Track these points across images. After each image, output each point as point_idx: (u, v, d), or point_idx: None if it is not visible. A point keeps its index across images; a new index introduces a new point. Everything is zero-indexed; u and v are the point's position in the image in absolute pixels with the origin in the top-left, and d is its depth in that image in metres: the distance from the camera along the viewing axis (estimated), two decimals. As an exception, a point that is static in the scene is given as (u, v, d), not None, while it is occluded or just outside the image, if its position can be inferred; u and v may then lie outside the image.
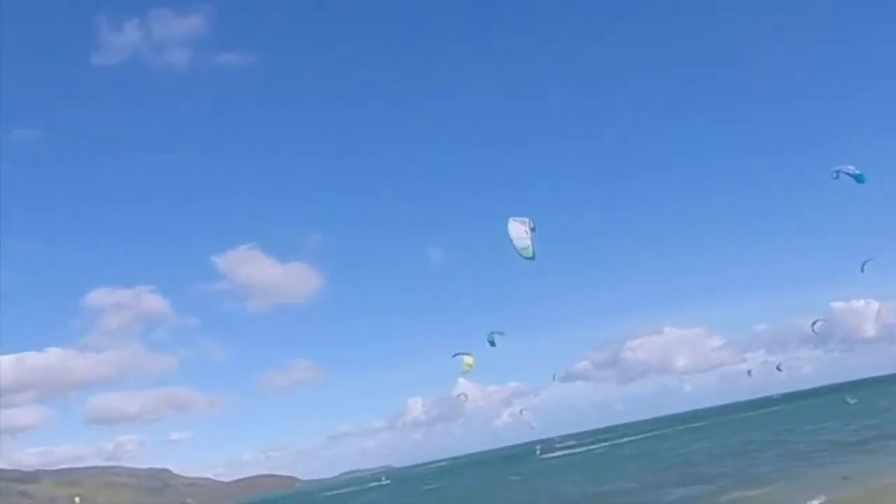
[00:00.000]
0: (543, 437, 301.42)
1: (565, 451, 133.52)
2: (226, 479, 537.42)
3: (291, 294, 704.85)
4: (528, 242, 27.93)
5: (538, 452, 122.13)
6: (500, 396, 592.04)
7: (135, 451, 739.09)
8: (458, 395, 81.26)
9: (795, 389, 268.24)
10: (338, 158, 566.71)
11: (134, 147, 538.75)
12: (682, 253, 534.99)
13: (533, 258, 28.09)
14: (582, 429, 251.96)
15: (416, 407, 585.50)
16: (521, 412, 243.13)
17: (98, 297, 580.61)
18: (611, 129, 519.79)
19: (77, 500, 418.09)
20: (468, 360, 49.87)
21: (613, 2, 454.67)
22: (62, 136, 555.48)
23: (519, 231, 28.31)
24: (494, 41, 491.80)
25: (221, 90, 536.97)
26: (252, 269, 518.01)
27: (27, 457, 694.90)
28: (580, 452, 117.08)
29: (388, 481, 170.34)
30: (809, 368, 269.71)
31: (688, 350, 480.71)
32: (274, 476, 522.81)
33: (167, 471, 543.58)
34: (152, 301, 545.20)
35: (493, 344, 47.81)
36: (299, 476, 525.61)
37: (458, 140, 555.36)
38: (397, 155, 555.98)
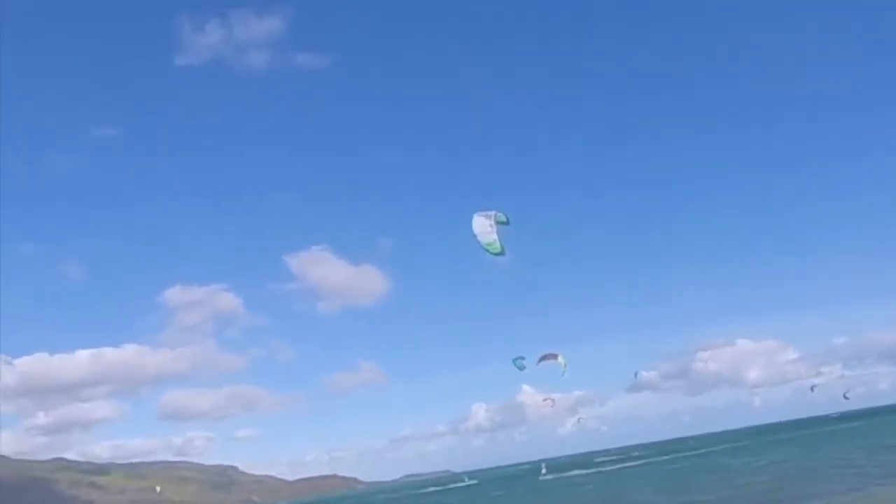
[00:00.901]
0: (609, 446, 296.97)
1: (573, 472, 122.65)
2: (289, 478, 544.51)
3: (360, 296, 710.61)
4: (495, 237, 24.97)
5: (543, 472, 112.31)
6: (564, 404, 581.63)
7: (203, 447, 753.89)
8: (545, 400, 79.76)
9: (872, 406, 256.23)
10: (411, 162, 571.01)
11: (211, 147, 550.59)
12: (758, 263, 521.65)
13: (502, 253, 25.07)
14: (649, 439, 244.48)
15: (480, 412, 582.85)
16: (578, 420, 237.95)
17: (174, 294, 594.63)
18: (688, 137, 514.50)
19: (158, 489, 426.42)
20: (562, 360, 48.73)
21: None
22: (141, 135, 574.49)
23: (483, 226, 25.34)
24: (572, 49, 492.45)
25: (298, 91, 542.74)
26: (323, 270, 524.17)
27: (100, 449, 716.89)
28: (583, 475, 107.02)
29: (475, 481, 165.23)
30: (887, 384, 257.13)
31: (761, 362, 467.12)
32: (337, 477, 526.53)
33: (234, 468, 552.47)
34: (226, 300, 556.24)
35: (521, 368, 48.37)
36: (361, 478, 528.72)
37: (532, 146, 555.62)
38: (470, 160, 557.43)
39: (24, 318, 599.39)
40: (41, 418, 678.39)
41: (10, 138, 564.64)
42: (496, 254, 24.08)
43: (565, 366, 50.86)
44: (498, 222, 25.31)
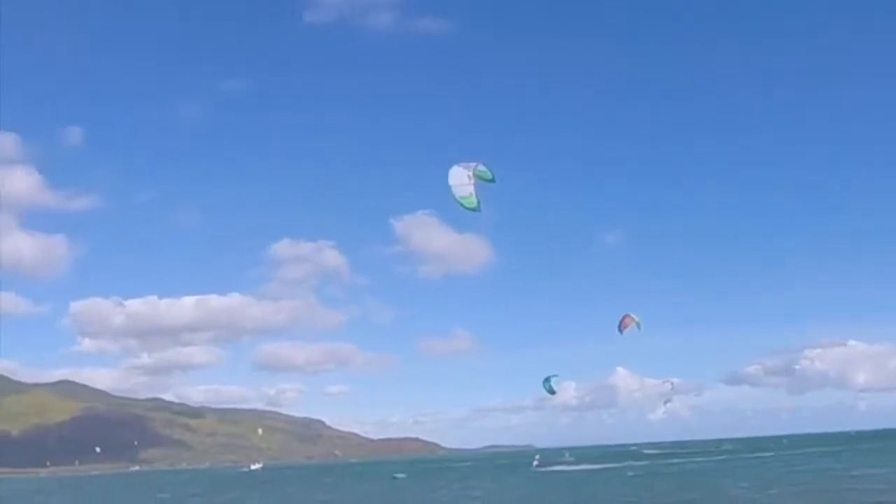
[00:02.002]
0: (700, 437, 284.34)
1: (564, 467, 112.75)
2: (373, 437, 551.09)
3: (462, 264, 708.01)
4: (471, 191, 21.55)
5: (535, 463, 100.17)
6: (658, 390, 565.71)
7: (293, 399, 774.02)
8: (664, 382, 72.00)
9: None
10: (523, 134, 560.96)
11: (330, 105, 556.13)
12: (877, 263, 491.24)
13: (477, 209, 21.79)
14: (743, 434, 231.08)
15: (569, 390, 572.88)
16: (665, 404, 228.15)
17: (282, 248, 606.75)
18: (812, 135, 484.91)
19: (260, 431, 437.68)
20: (635, 317, 46.71)
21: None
22: (268, 89, 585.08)
23: (460, 178, 21.72)
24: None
25: (418, 55, 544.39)
26: (427, 235, 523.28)
27: (195, 393, 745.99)
28: (578, 471, 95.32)
29: (573, 459, 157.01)
30: None
31: (871, 366, 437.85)
32: (419, 440, 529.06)
33: (321, 422, 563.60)
34: (331, 257, 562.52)
35: (551, 392, 46.88)
36: (443, 444, 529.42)
37: (645, 128, 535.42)
38: (582, 138, 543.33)
39: (138, 262, 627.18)
40: (144, 359, 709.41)
41: (142, 89, 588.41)
42: (471, 209, 21.30)
43: (639, 324, 47.09)
44: (479, 176, 21.65)
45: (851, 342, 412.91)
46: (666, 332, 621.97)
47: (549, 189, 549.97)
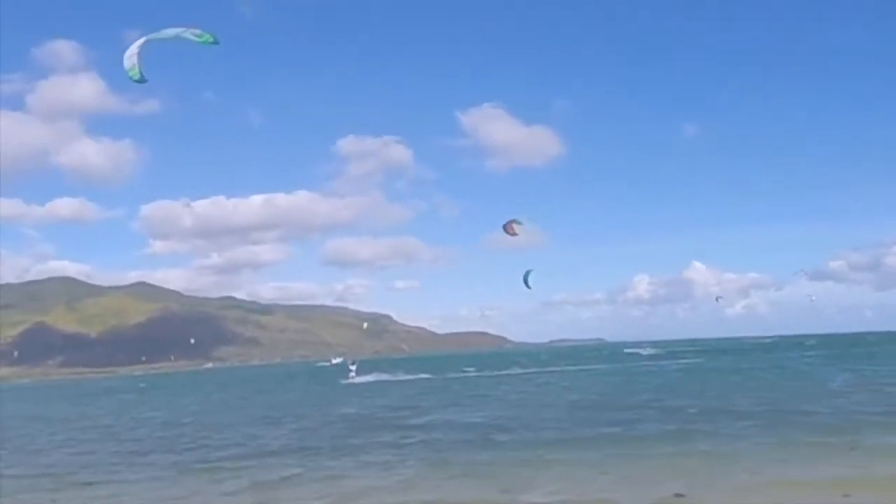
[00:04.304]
0: (782, 333, 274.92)
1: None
2: (440, 332, 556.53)
3: (531, 156, 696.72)
4: (135, 62, 17.97)
5: (351, 374, 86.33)
6: (736, 285, 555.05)
7: (361, 294, 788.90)
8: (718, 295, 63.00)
9: None
10: (595, 23, 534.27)
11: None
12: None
13: (141, 80, 18.19)
14: (825, 331, 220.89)
15: (642, 284, 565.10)
16: (716, 299, 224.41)
17: (347, 144, 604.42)
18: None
19: (365, 325, 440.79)
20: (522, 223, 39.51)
21: None
22: None
23: (129, 51, 18.08)
24: None
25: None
26: (495, 128, 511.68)
27: (265, 290, 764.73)
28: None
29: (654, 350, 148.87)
30: None
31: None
32: (486, 334, 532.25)
33: (388, 317, 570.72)
34: (396, 151, 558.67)
35: (528, 285, 42.69)
36: (510, 337, 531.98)
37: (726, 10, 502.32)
38: (656, 24, 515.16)
39: (205, 163, 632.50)
40: (214, 258, 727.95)
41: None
42: (137, 80, 18.18)
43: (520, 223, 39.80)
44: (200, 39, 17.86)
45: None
46: (745, 225, 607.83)
47: (623, 78, 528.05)
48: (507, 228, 38.58)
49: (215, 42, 17.64)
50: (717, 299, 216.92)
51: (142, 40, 17.87)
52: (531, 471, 20.46)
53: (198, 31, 17.43)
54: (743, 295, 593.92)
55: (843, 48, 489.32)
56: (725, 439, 24.29)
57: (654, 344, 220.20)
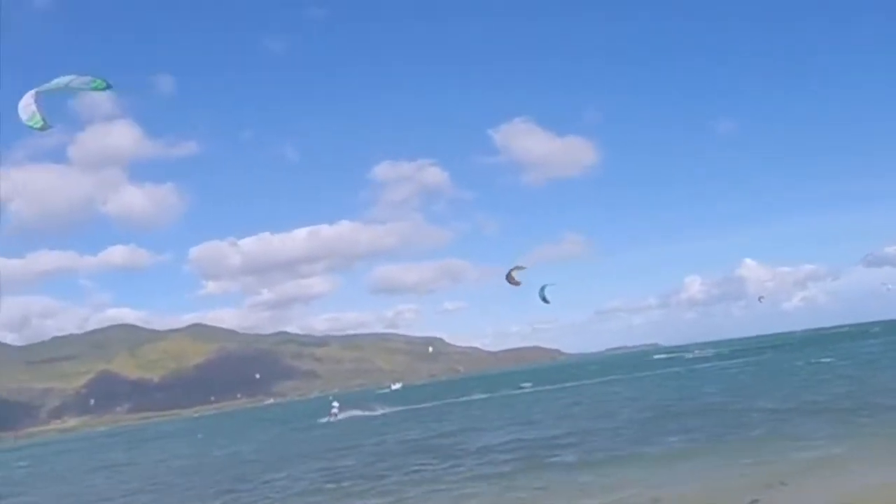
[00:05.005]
0: (846, 322, 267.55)
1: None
2: (493, 349, 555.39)
3: (566, 167, 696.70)
4: (34, 110, 17.86)
5: (333, 410, 79.24)
6: (792, 278, 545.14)
7: (412, 319, 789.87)
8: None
9: None
10: (615, 29, 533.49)
11: (418, 16, 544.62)
12: None
13: (45, 127, 18.06)
14: (889, 317, 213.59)
15: (694, 285, 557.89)
16: (759, 299, 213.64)
17: (383, 170, 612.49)
18: None
19: (430, 349, 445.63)
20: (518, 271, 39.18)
21: None
22: (350, 14, 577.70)
23: (25, 102, 18.00)
24: None
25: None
26: (527, 142, 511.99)
27: (318, 322, 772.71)
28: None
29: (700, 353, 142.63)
30: None
31: None
32: (539, 348, 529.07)
33: (440, 339, 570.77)
34: (432, 174, 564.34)
35: (545, 300, 40.45)
36: (564, 349, 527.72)
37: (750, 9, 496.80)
38: (678, 22, 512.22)
39: (247, 201, 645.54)
40: (264, 295, 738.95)
41: (224, 25, 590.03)
42: (39, 128, 18.06)
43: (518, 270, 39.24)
44: (94, 88, 18.38)
45: None
46: (795, 216, 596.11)
47: (650, 80, 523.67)
48: (510, 279, 38.31)
49: (108, 87, 17.87)
50: (759, 299, 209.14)
51: (33, 92, 17.82)
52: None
53: (87, 79, 17.60)
54: (800, 287, 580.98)
55: (875, 34, 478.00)
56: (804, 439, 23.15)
57: (706, 345, 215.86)
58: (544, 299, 40.92)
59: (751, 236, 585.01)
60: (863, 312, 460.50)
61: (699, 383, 59.52)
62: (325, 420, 74.10)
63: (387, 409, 77.78)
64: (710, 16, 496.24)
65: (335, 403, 79.11)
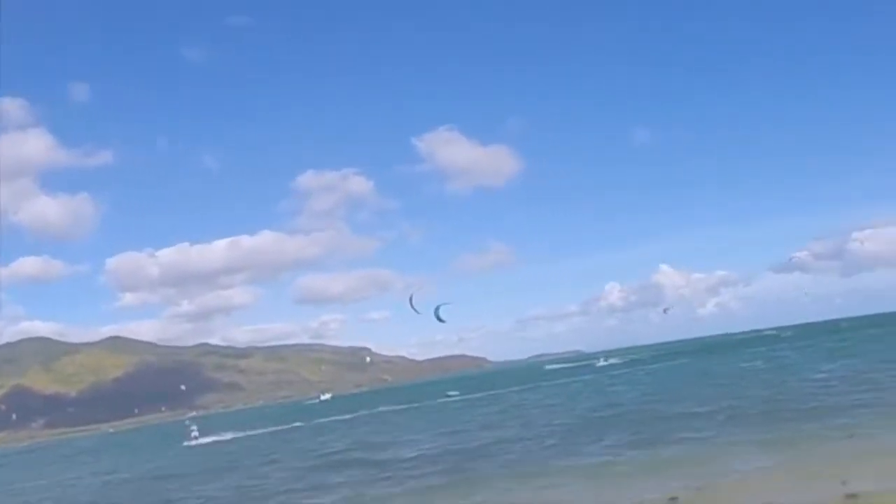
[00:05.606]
0: (757, 326, 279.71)
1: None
2: (419, 358, 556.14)
3: (491, 176, 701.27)
4: None
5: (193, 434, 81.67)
6: (705, 284, 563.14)
7: (337, 329, 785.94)
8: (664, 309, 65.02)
9: None
10: (537, 38, 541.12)
11: (334, 30, 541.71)
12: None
13: None
14: (800, 321, 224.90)
15: (614, 292, 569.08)
16: (664, 311, 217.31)
17: (307, 179, 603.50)
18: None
19: (368, 359, 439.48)
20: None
21: None
22: (271, 23, 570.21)
23: None
24: None
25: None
26: (451, 150, 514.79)
27: (240, 334, 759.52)
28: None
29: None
30: None
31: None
32: (465, 356, 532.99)
33: (366, 349, 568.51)
34: (357, 183, 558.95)
35: (440, 319, 42.06)
36: (489, 357, 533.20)
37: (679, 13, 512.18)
38: (599, 30, 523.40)
39: (165, 211, 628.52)
40: (184, 306, 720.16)
41: (142, 33, 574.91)
42: None
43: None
44: None
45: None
46: (707, 225, 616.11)
47: (572, 89, 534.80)
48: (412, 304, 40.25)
49: None
50: (664, 311, 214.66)
51: None
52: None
53: None
54: (713, 293, 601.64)
55: (795, 41, 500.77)
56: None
57: (620, 352, 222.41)
58: (439, 318, 42.20)
59: (668, 243, 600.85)
60: (773, 317, 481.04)
61: (622, 388, 62.83)
62: (187, 444, 75.14)
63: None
64: (631, 21, 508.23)
65: (194, 427, 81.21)
